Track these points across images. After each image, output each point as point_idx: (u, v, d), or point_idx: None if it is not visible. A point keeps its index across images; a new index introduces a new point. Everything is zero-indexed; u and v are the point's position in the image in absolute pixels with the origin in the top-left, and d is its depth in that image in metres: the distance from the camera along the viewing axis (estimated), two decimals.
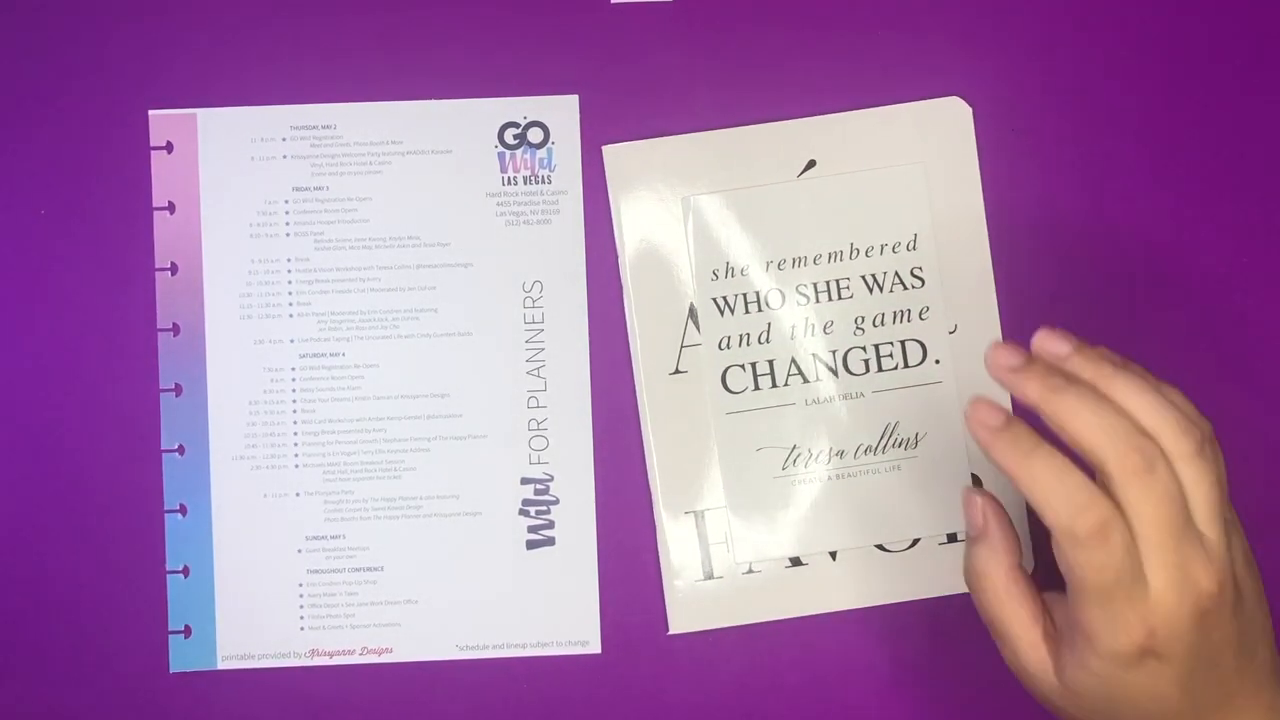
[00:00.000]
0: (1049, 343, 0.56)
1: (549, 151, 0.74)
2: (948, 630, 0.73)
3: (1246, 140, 0.74)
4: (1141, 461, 0.53)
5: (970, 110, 0.73)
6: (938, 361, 0.73)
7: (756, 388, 0.73)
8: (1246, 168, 0.74)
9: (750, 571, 0.73)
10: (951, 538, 0.73)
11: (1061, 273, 0.73)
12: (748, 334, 0.73)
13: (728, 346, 0.73)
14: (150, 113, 0.73)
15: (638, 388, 0.73)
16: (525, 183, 0.74)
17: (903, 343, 0.73)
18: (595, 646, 0.73)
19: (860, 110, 0.74)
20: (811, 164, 0.73)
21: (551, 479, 0.73)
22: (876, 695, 0.73)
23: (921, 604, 0.73)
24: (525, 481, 0.73)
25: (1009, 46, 0.74)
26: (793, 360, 0.73)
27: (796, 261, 0.73)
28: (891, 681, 0.73)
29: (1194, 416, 0.56)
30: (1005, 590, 0.59)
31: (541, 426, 0.73)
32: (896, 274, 0.73)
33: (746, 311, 0.73)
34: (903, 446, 0.73)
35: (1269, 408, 0.73)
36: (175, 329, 0.73)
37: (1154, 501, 0.53)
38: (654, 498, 0.73)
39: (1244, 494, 0.73)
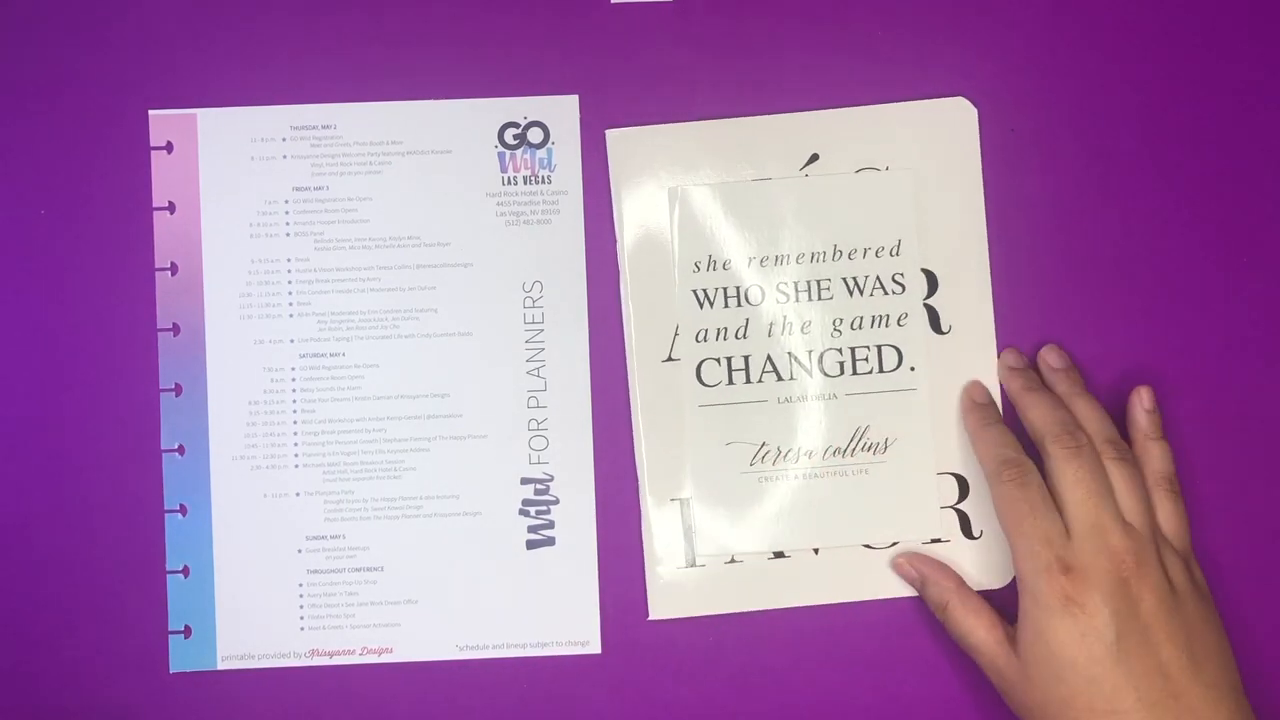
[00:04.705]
0: (1051, 355, 0.73)
1: (549, 151, 0.74)
2: (932, 628, 0.73)
3: (1246, 140, 0.74)
4: (1072, 441, 0.68)
5: (975, 110, 0.74)
6: (913, 369, 0.73)
7: (730, 382, 0.73)
8: (1246, 167, 0.74)
9: (733, 561, 0.73)
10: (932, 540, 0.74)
11: (1061, 274, 0.74)
12: (725, 328, 0.73)
13: (705, 339, 0.73)
14: (150, 113, 0.73)
15: (629, 373, 0.73)
16: (525, 183, 0.74)
17: (879, 347, 0.74)
18: (595, 646, 0.73)
19: (865, 106, 0.74)
20: (814, 158, 0.74)
21: (551, 479, 0.73)
22: (877, 690, 0.73)
23: (911, 601, 0.73)
24: (525, 481, 0.73)
25: (1014, 48, 0.74)
26: (768, 357, 0.73)
27: (779, 259, 0.73)
28: (890, 678, 0.73)
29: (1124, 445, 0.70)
30: (961, 607, 0.70)
31: (541, 426, 0.73)
32: (878, 278, 0.74)
33: (726, 306, 0.73)
34: (872, 451, 0.73)
35: (1270, 407, 0.74)
36: (175, 329, 0.73)
37: (1075, 467, 0.67)
38: (640, 483, 0.73)
39: (1244, 491, 0.73)
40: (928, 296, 0.74)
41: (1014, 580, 0.72)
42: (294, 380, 0.73)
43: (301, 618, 0.73)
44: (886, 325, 0.74)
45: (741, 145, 0.74)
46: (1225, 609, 0.71)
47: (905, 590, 0.73)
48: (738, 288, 0.74)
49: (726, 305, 0.73)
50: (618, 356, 0.73)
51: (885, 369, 0.73)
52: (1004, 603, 0.72)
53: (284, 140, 0.73)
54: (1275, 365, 0.74)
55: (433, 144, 0.73)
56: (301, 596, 0.73)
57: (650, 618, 0.73)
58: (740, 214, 0.74)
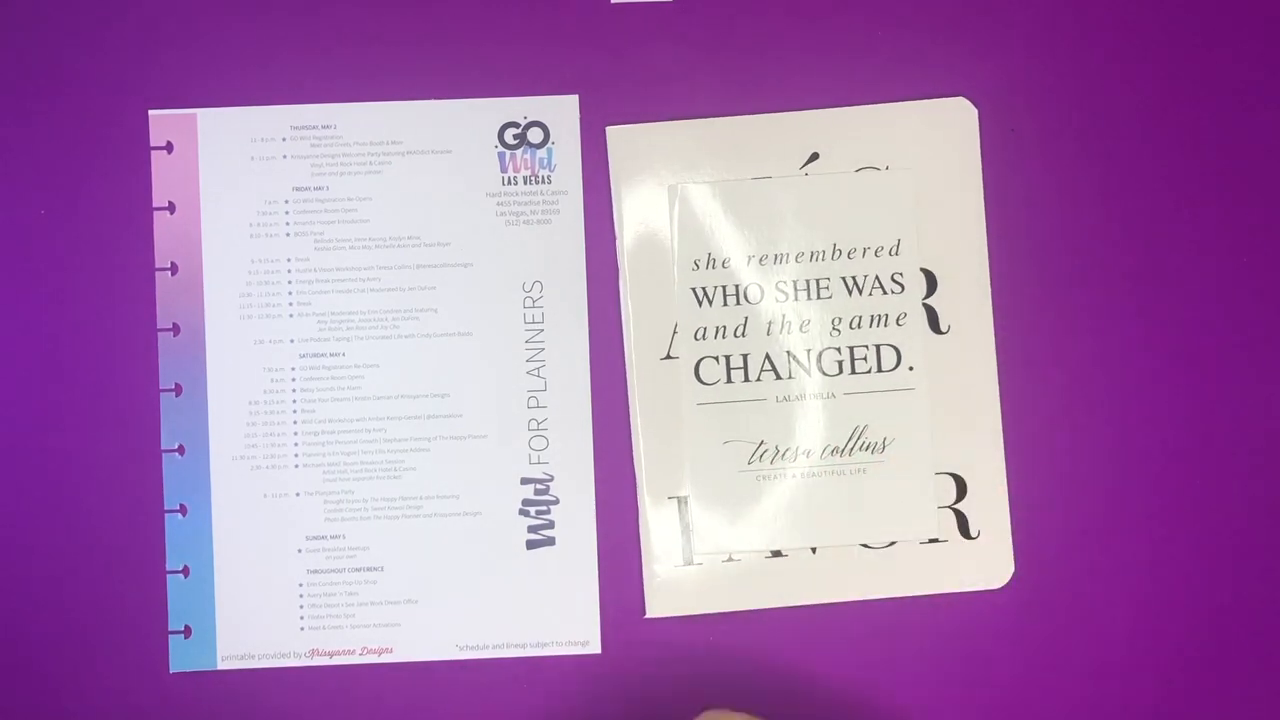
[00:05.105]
0: None
1: (549, 151, 0.74)
2: (927, 628, 0.73)
3: (1246, 140, 0.74)
4: None
5: (975, 110, 0.74)
6: (911, 368, 0.73)
7: (729, 380, 0.73)
8: (1246, 168, 0.74)
9: (730, 560, 0.73)
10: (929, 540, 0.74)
11: (1061, 274, 0.74)
12: (724, 326, 0.73)
13: (703, 337, 0.73)
14: (150, 113, 0.73)
15: (628, 371, 0.73)
16: (525, 183, 0.74)
17: (878, 347, 0.74)
18: (595, 646, 0.73)
19: (865, 106, 0.74)
20: (814, 156, 0.74)
21: (551, 479, 0.73)
22: (874, 690, 0.73)
23: (905, 601, 0.73)
24: (525, 481, 0.73)
25: (1014, 48, 0.74)
26: (767, 356, 0.73)
27: (778, 258, 0.74)
28: (886, 677, 0.73)
29: None
30: None
31: (541, 426, 0.73)
32: (877, 278, 0.74)
33: (725, 304, 0.73)
34: (870, 450, 0.73)
35: (1269, 407, 0.74)
36: (175, 329, 0.73)
37: None
38: (638, 481, 0.73)
39: (1244, 491, 0.74)
40: (927, 296, 0.74)
41: (1012, 581, 0.72)
42: (294, 380, 0.73)
43: (301, 618, 0.73)
44: (885, 325, 0.74)
45: (741, 144, 0.74)
46: (1226, 608, 0.71)
47: (901, 590, 0.73)
48: (737, 286, 0.74)
49: (725, 303, 0.74)
50: (617, 356, 0.73)
51: (884, 368, 0.73)
52: (1001, 604, 0.72)
53: (284, 140, 0.73)
54: (1275, 365, 0.74)
55: (433, 144, 0.73)
56: (301, 596, 0.73)
57: (647, 616, 0.73)
58: (740, 212, 0.74)
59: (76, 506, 0.72)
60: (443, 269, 0.73)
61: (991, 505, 0.73)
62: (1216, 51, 0.74)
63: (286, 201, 0.73)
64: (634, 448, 0.73)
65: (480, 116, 0.74)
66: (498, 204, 0.74)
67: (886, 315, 0.74)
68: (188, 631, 0.72)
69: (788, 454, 0.73)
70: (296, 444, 0.73)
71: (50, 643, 0.72)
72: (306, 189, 0.73)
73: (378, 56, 0.73)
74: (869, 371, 0.73)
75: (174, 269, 0.73)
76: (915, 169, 0.74)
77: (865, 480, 0.73)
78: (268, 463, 0.73)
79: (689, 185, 0.73)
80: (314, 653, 0.73)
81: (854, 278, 0.74)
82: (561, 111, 0.74)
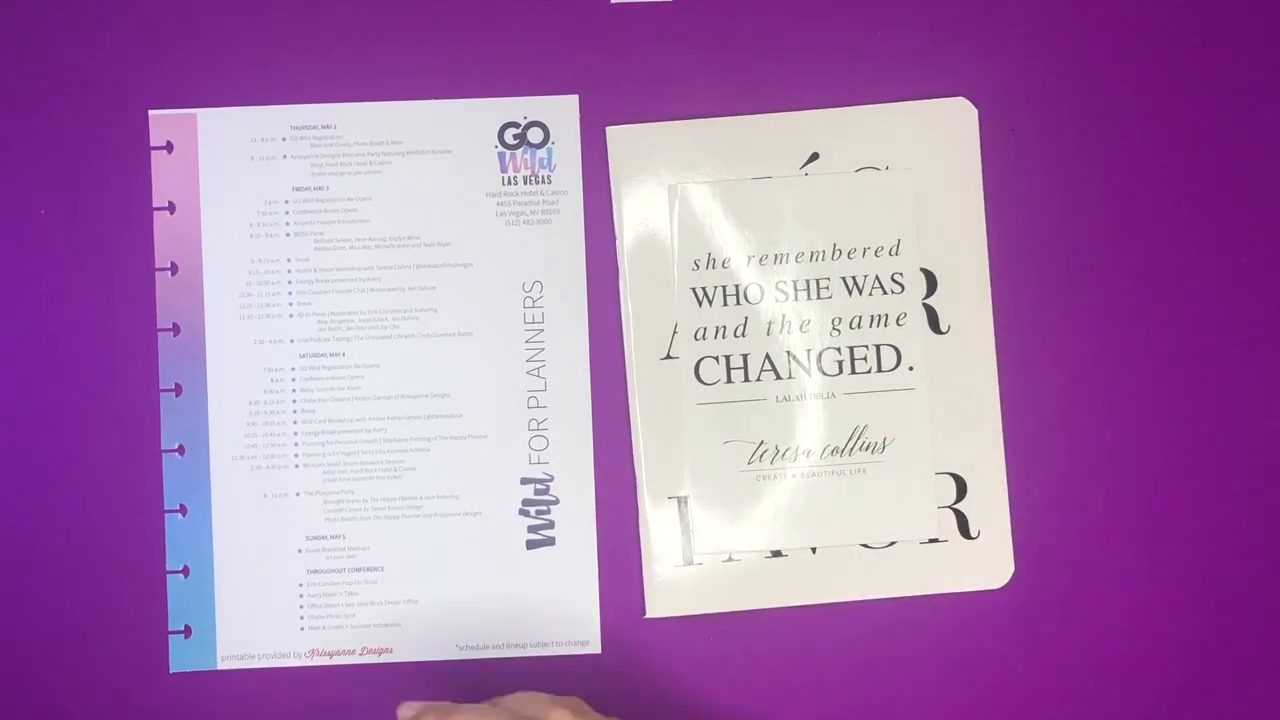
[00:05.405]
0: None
1: (549, 151, 0.74)
2: (927, 628, 0.73)
3: (1247, 140, 0.74)
4: None
5: (975, 110, 0.74)
6: (911, 368, 0.73)
7: (729, 380, 0.73)
8: (1246, 168, 0.74)
9: (730, 560, 0.73)
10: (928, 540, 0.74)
11: (1061, 274, 0.74)
12: (724, 326, 0.73)
13: (703, 337, 0.73)
14: (150, 113, 0.73)
15: (628, 371, 0.73)
16: (525, 183, 0.74)
17: (878, 347, 0.74)
18: (595, 646, 0.73)
19: (865, 106, 0.74)
20: (814, 157, 0.74)
21: (551, 479, 0.73)
22: (873, 689, 0.73)
23: (905, 601, 0.73)
24: (525, 481, 0.73)
25: (1014, 48, 0.74)
26: (767, 356, 0.73)
27: (778, 258, 0.74)
28: (886, 677, 0.73)
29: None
30: None
31: (541, 426, 0.73)
32: (877, 278, 0.74)
33: (725, 304, 0.73)
34: (870, 450, 0.73)
35: (1269, 407, 0.74)
36: (175, 329, 0.73)
37: None
38: (638, 481, 0.73)
39: (1244, 491, 0.73)
40: (927, 296, 0.74)
41: (1012, 581, 0.72)
42: (294, 380, 0.73)
43: (301, 618, 0.73)
44: (885, 325, 0.74)
45: (742, 144, 0.74)
46: (1226, 608, 0.71)
47: (901, 590, 0.73)
48: (737, 286, 0.74)
49: (725, 303, 0.74)
50: (617, 356, 0.73)
51: (884, 368, 0.73)
52: (1001, 604, 0.72)
53: (284, 140, 0.73)
54: (1275, 365, 0.74)
55: (433, 144, 0.73)
56: (301, 596, 0.73)
57: (647, 616, 0.73)
58: (740, 212, 0.74)
59: (76, 506, 0.72)
60: (443, 269, 0.73)
61: (991, 505, 0.73)
62: (1216, 51, 0.74)
63: (286, 201, 0.73)
64: (634, 448, 0.73)
65: (480, 116, 0.74)
66: (498, 204, 0.74)
67: (886, 315, 0.74)
68: (188, 631, 0.72)
69: (788, 454, 0.73)
70: (296, 444, 0.73)
71: (50, 643, 0.72)
72: (306, 189, 0.73)
73: (378, 56, 0.73)
74: (869, 371, 0.73)
75: (174, 269, 0.73)
76: (915, 169, 0.74)
77: (865, 480, 0.73)
78: (268, 463, 0.73)
79: (689, 185, 0.73)
80: (314, 653, 0.73)
81: (854, 278, 0.74)
82: (561, 111, 0.74)
